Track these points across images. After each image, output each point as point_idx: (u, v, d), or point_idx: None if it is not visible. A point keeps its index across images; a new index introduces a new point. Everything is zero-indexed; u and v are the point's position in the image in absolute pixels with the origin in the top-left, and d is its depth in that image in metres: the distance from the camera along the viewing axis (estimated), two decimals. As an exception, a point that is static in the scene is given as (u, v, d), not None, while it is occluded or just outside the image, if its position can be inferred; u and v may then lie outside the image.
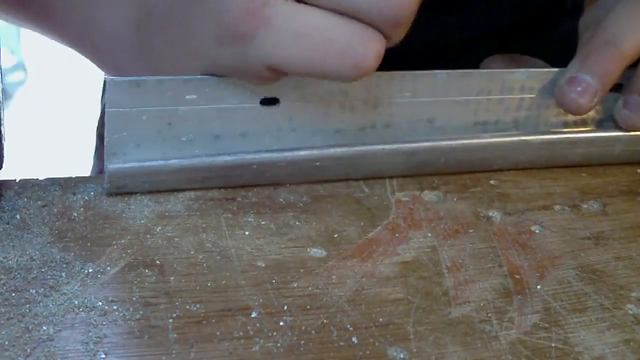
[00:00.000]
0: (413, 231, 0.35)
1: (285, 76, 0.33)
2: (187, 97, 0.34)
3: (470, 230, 0.36)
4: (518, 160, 0.41)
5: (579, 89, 0.37)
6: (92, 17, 0.38)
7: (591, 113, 0.41)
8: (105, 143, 0.34)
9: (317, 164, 0.37)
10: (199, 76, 0.34)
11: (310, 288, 0.31)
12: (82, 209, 0.34)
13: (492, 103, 0.39)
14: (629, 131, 0.41)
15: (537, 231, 0.36)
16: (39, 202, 0.34)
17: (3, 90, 0.34)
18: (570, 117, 0.41)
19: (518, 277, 0.33)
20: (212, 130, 0.35)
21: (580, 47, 0.41)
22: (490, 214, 0.37)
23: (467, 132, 0.39)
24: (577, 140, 0.41)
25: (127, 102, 0.33)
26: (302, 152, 0.36)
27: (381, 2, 0.30)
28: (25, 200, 0.34)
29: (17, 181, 0.35)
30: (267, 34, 0.30)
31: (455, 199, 0.38)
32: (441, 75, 0.37)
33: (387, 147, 0.38)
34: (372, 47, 0.30)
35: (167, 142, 0.34)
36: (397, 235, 0.35)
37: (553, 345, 0.30)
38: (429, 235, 0.35)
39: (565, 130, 0.41)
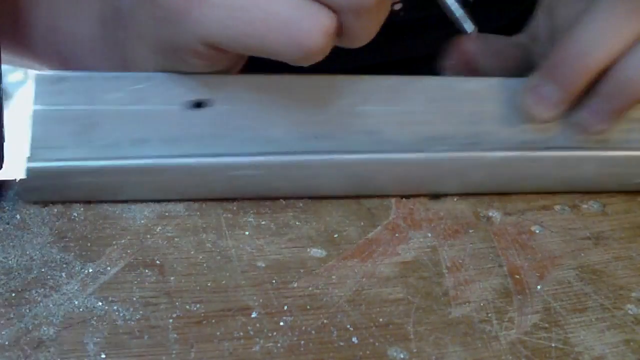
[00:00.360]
0: (413, 231, 0.35)
1: (228, 54, 0.31)
2: (114, 95, 0.32)
3: (470, 230, 0.36)
4: (473, 180, 0.37)
5: (543, 99, 0.36)
6: (55, 22, 0.37)
7: (558, 130, 0.37)
8: (29, 143, 0.32)
9: (243, 172, 0.34)
10: (127, 73, 0.32)
11: (310, 288, 0.31)
12: (82, 209, 0.34)
13: (444, 114, 0.36)
14: (589, 135, 0.37)
15: (537, 231, 0.36)
16: (39, 202, 0.34)
17: (3, 90, 0.34)
18: (537, 135, 0.37)
19: (518, 277, 0.33)
20: (138, 133, 0.33)
21: (540, 48, 0.39)
22: (490, 214, 0.37)
23: (418, 147, 0.36)
24: (541, 158, 0.37)
25: (53, 99, 0.32)
26: (225, 159, 0.33)
27: None
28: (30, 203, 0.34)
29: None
30: (202, 9, 0.28)
31: (455, 199, 0.38)
32: (388, 81, 0.35)
33: (324, 157, 0.34)
34: (319, 22, 0.28)
35: (92, 144, 0.33)
36: (397, 235, 0.35)
37: (553, 345, 0.30)
38: (429, 235, 0.35)
39: (529, 146, 0.37)
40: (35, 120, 0.32)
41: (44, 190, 0.33)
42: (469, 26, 0.35)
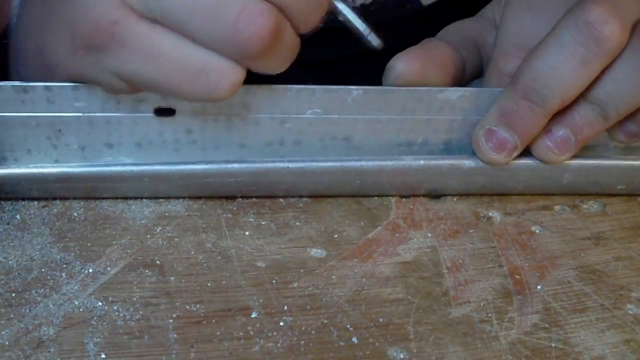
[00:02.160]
0: (413, 231, 0.35)
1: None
2: (76, 104, 0.32)
3: (471, 231, 0.36)
4: (447, 185, 0.37)
5: (497, 145, 0.35)
6: None
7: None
8: None
9: (210, 180, 0.35)
10: (89, 85, 0.32)
11: (310, 288, 0.31)
12: (82, 209, 0.34)
13: (417, 123, 0.36)
14: (547, 164, 0.37)
15: (537, 231, 0.36)
16: (39, 202, 0.34)
17: None
18: None
19: (518, 277, 0.33)
20: (105, 138, 0.33)
21: (493, 75, 0.38)
22: (490, 214, 0.37)
23: (388, 153, 0.36)
24: (517, 168, 0.37)
25: (15, 106, 0.32)
26: (194, 166, 0.34)
27: (225, 35, 0.29)
28: (26, 200, 0.34)
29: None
30: (118, 50, 0.30)
31: (455, 199, 0.38)
32: (356, 91, 0.34)
33: (292, 165, 0.35)
34: (227, 76, 0.30)
35: (59, 149, 0.33)
36: (397, 235, 0.35)
37: (553, 345, 0.30)
38: (429, 235, 0.35)
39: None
40: (1, 126, 0.32)
41: (14, 193, 0.34)
42: (374, 40, 0.34)
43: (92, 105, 0.32)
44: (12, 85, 0.31)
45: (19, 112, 0.32)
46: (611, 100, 0.34)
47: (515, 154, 0.36)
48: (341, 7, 0.33)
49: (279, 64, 0.31)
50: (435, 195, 0.38)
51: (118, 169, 0.34)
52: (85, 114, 0.33)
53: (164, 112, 0.33)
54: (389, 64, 0.36)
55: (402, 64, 0.35)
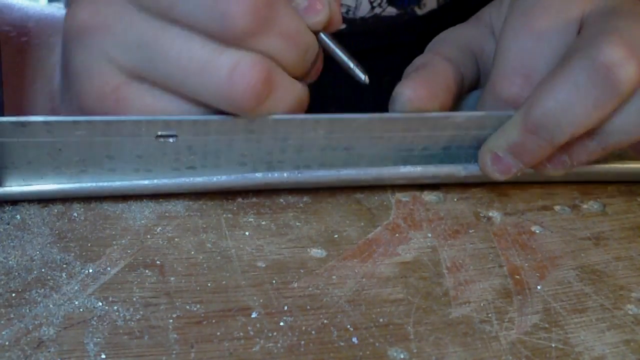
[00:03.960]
0: (413, 231, 0.35)
1: None
2: (77, 132, 0.32)
3: (471, 231, 0.36)
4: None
5: (503, 169, 0.36)
6: (13, 97, 0.39)
7: None
8: None
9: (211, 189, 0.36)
10: (89, 117, 0.32)
11: (310, 288, 0.31)
12: (82, 209, 0.34)
13: (418, 137, 0.36)
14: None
15: (538, 231, 0.36)
16: (39, 202, 0.34)
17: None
18: None
19: (518, 277, 0.33)
20: (105, 152, 0.33)
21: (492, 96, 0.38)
22: (490, 214, 0.37)
23: (389, 159, 0.37)
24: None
25: (15, 135, 0.31)
26: (195, 180, 0.35)
27: (219, 91, 0.30)
28: (26, 200, 0.34)
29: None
30: (117, 109, 0.32)
31: (455, 199, 0.38)
32: (361, 119, 0.34)
33: (286, 175, 0.35)
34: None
35: (58, 160, 0.33)
36: (397, 235, 0.35)
37: (553, 345, 0.30)
38: (429, 235, 0.35)
39: None
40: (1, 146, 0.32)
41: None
42: (361, 74, 0.34)
43: (93, 132, 0.32)
44: (11, 121, 0.31)
45: (18, 139, 0.32)
46: (615, 135, 0.35)
47: (519, 174, 0.36)
48: (329, 43, 0.34)
49: (279, 110, 0.32)
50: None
51: (119, 185, 0.34)
52: (84, 139, 0.32)
53: (166, 136, 0.33)
54: (396, 90, 0.36)
55: (409, 91, 0.35)
